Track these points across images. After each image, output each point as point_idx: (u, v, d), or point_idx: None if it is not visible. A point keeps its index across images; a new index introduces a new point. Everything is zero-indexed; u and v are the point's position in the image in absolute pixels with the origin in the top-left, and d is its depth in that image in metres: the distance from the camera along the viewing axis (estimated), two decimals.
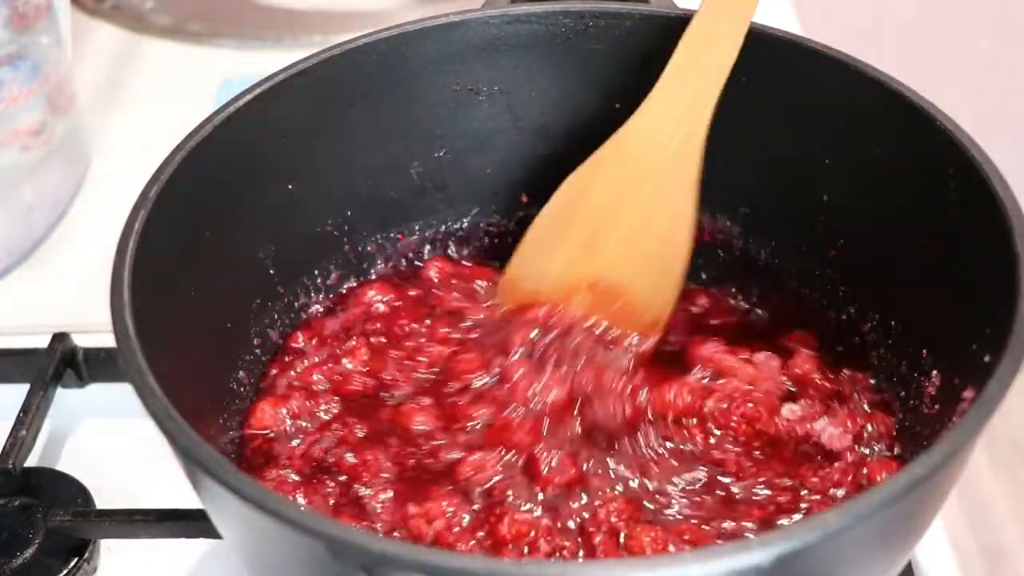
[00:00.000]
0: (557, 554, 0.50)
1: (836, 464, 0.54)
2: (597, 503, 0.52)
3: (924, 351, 0.56)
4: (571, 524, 0.51)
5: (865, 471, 0.54)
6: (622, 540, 0.50)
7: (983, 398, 0.41)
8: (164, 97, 0.96)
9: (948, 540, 0.61)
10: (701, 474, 0.54)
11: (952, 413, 0.49)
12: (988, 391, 0.41)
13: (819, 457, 0.55)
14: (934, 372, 0.54)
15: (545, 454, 0.54)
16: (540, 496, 0.53)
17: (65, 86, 0.82)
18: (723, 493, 0.53)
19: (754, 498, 0.53)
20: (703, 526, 0.51)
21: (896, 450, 0.55)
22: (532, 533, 0.50)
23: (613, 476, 0.54)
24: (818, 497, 0.53)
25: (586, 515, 0.52)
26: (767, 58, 0.61)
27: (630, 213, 0.60)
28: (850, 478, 0.54)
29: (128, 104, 0.96)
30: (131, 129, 0.93)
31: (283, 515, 0.38)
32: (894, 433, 0.56)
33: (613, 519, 0.51)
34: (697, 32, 0.59)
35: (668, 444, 0.55)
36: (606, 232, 0.60)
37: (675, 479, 0.54)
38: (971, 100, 1.70)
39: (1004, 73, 1.74)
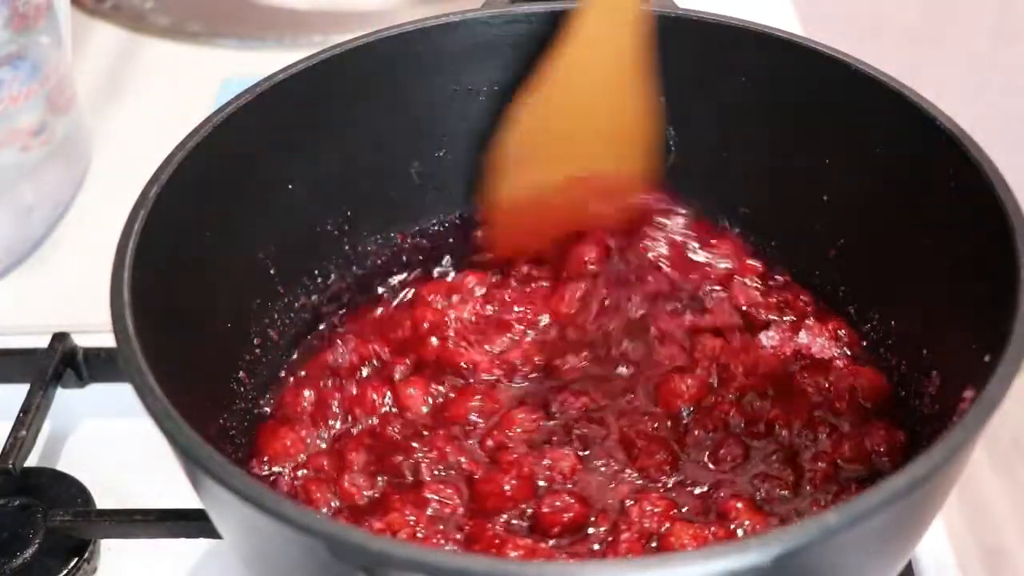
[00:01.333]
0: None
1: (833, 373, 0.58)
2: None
3: (924, 351, 0.56)
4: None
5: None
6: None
7: (983, 398, 0.41)
8: (164, 97, 0.96)
9: (948, 540, 0.61)
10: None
11: (952, 413, 0.49)
12: (988, 391, 0.41)
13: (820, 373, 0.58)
14: (934, 372, 0.54)
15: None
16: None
17: (65, 86, 0.82)
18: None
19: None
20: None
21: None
22: None
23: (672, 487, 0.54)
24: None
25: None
26: (767, 58, 0.61)
27: (591, 110, 0.63)
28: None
29: (128, 104, 0.96)
30: (131, 129, 0.93)
31: (283, 515, 0.38)
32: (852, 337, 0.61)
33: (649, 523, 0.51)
34: None
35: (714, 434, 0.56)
36: (575, 134, 0.63)
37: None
38: (971, 100, 1.70)
39: (1004, 73, 1.74)
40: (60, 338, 0.68)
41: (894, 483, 0.38)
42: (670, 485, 0.54)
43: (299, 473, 0.56)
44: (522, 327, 0.63)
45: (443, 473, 0.55)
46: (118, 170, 0.86)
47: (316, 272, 0.65)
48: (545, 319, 0.63)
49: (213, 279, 0.57)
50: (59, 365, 0.67)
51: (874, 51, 0.58)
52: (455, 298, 0.65)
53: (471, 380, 0.60)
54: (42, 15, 0.77)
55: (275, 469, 0.56)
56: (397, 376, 0.61)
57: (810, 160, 0.62)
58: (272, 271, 0.62)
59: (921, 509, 0.43)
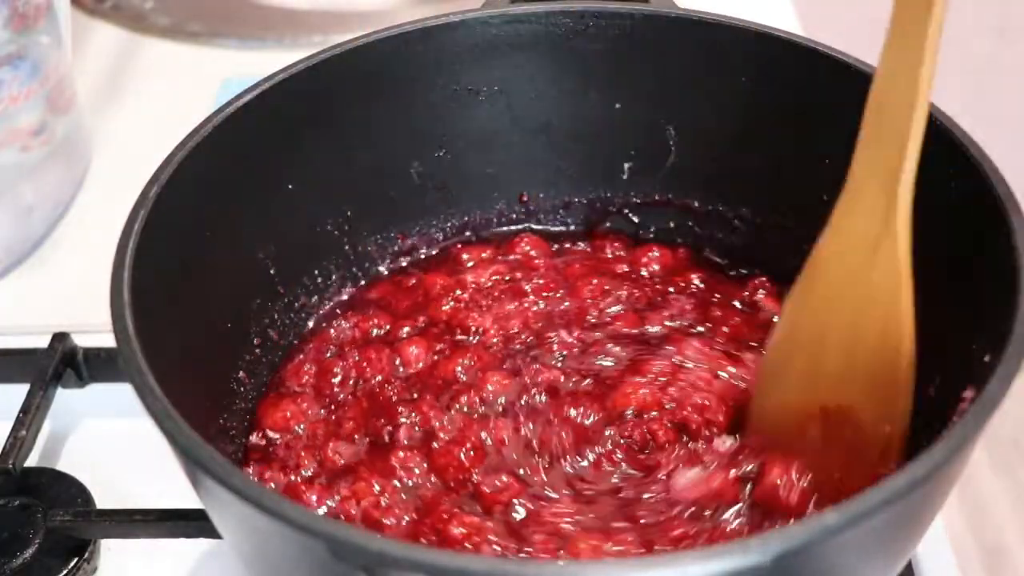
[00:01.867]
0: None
1: None
2: None
3: (924, 351, 0.56)
4: None
5: None
6: None
7: (983, 398, 0.41)
8: (164, 97, 0.96)
9: (948, 540, 0.61)
10: None
11: (952, 413, 0.49)
12: (988, 391, 0.41)
13: None
14: (934, 372, 0.54)
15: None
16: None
17: (65, 86, 0.82)
18: None
19: None
20: None
21: None
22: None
23: None
24: None
25: None
26: (767, 58, 0.61)
27: (839, 326, 0.53)
28: None
29: (128, 104, 0.96)
30: (131, 129, 0.93)
31: (283, 515, 0.38)
32: None
33: None
34: (878, 95, 0.50)
35: None
36: (822, 352, 0.54)
37: None
38: (971, 100, 1.69)
39: (1004, 73, 1.74)
40: (60, 338, 0.68)
41: (894, 483, 0.38)
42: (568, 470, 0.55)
43: (293, 440, 0.57)
44: (534, 297, 0.64)
45: (415, 439, 0.56)
46: (118, 170, 0.86)
47: (316, 272, 0.65)
48: (560, 293, 0.65)
49: (213, 279, 0.57)
50: (59, 365, 0.67)
51: (874, 51, 0.58)
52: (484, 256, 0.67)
53: (473, 341, 0.62)
54: (42, 15, 0.77)
55: (272, 436, 0.58)
56: (403, 334, 0.62)
57: (810, 160, 0.62)
58: (272, 271, 0.62)
59: (921, 509, 0.43)
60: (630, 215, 0.69)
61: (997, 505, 1.58)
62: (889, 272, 0.50)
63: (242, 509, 0.39)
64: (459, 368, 0.60)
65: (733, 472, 0.53)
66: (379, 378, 0.60)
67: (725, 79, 0.63)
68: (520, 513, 0.53)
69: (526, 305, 0.64)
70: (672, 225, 0.69)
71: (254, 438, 0.58)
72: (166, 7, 1.08)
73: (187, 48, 1.04)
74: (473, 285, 0.65)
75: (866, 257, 0.51)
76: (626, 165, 0.68)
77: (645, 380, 0.58)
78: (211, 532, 0.48)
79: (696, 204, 0.68)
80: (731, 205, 0.67)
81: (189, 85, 0.97)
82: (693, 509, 0.52)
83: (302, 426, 0.58)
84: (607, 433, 0.56)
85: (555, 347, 0.61)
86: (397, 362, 0.61)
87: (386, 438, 0.57)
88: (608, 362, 0.60)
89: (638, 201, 0.69)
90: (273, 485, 0.55)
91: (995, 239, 0.48)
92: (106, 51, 1.03)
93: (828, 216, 0.56)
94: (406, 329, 0.63)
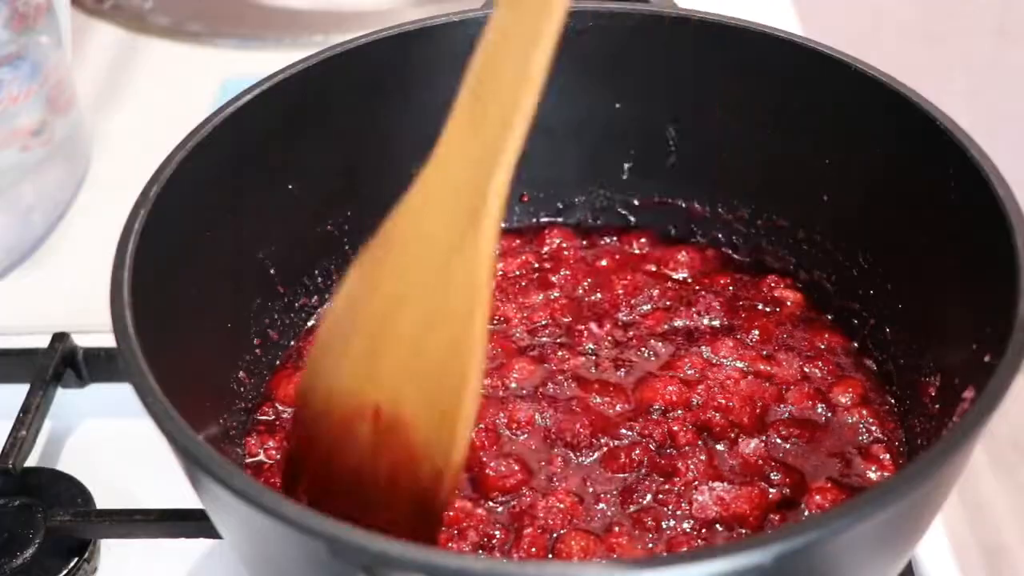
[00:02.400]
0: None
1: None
2: None
3: (924, 351, 0.56)
4: None
5: None
6: None
7: (983, 398, 0.41)
8: (164, 97, 0.96)
9: (948, 540, 0.61)
10: None
11: (952, 413, 0.49)
12: (988, 391, 0.41)
13: None
14: (934, 372, 0.54)
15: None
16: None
17: (65, 86, 0.82)
18: None
19: None
20: None
21: None
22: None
23: None
24: None
25: None
26: (767, 58, 0.61)
27: (407, 320, 0.44)
28: None
29: (128, 104, 0.96)
30: (131, 129, 0.93)
31: (283, 515, 0.38)
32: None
33: None
34: (486, 57, 0.43)
35: None
36: (383, 340, 0.45)
37: None
38: (971, 100, 1.70)
39: (1004, 73, 1.74)
40: (60, 338, 0.68)
41: (894, 483, 0.38)
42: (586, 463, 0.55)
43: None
44: (559, 290, 0.65)
45: None
46: (118, 170, 0.86)
47: (316, 272, 0.65)
48: (587, 284, 0.65)
49: (213, 279, 0.57)
50: (59, 365, 0.67)
51: (874, 51, 0.58)
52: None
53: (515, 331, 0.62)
54: (42, 15, 0.77)
55: (280, 409, 0.59)
56: None
57: (810, 160, 0.62)
58: (272, 271, 0.62)
59: (921, 509, 0.43)
60: (628, 215, 0.70)
61: (997, 505, 1.58)
62: (464, 288, 0.42)
63: (242, 509, 0.39)
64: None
65: (757, 491, 0.53)
66: None
67: (725, 79, 0.63)
68: (518, 503, 0.53)
69: (553, 296, 0.65)
70: (672, 226, 0.69)
71: (264, 411, 0.59)
72: (166, 7, 1.08)
73: (187, 48, 1.04)
74: (500, 274, 0.66)
75: (444, 258, 0.43)
76: (626, 165, 0.68)
77: (673, 377, 0.59)
78: (211, 532, 0.48)
79: (696, 205, 0.68)
80: (731, 206, 0.67)
81: (189, 85, 0.97)
82: (706, 529, 0.52)
83: None
84: (625, 431, 0.56)
85: (584, 338, 0.62)
86: None
87: None
88: (639, 357, 0.61)
89: (637, 203, 0.69)
90: (275, 454, 0.56)
91: (995, 239, 0.48)
92: (106, 51, 1.03)
93: (822, 214, 0.56)
94: None
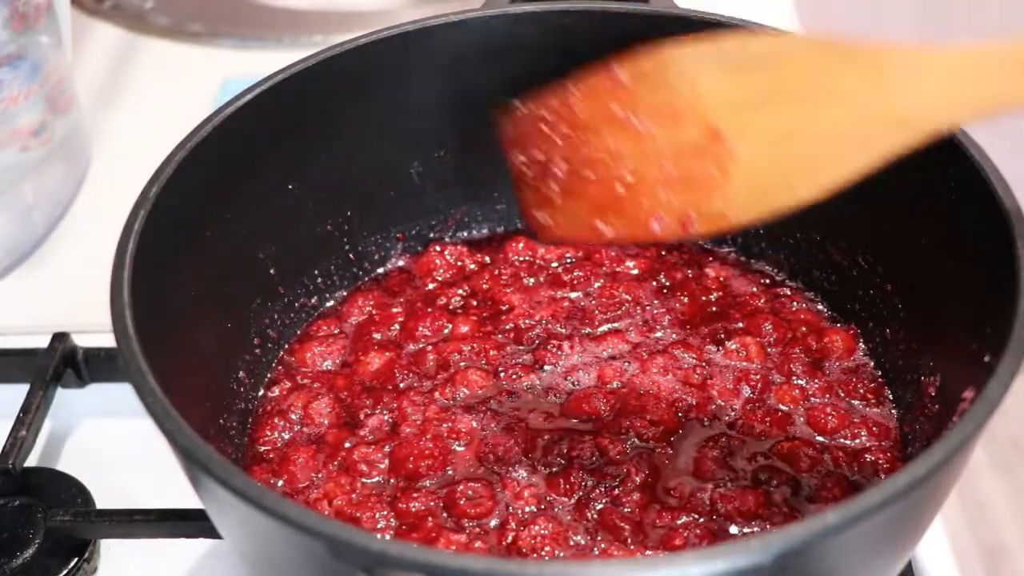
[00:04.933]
0: None
1: None
2: None
3: (924, 351, 0.56)
4: None
5: None
6: None
7: (983, 398, 0.41)
8: (164, 97, 0.96)
9: (948, 540, 0.61)
10: None
11: (952, 413, 0.49)
12: (988, 391, 0.41)
13: None
14: (934, 372, 0.54)
15: None
16: None
17: (65, 86, 0.82)
18: None
19: None
20: None
21: None
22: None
23: None
24: None
25: None
26: None
27: (807, 116, 0.48)
28: None
29: (128, 104, 0.96)
30: (131, 129, 0.93)
31: (283, 515, 0.38)
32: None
33: None
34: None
35: None
36: (777, 101, 0.48)
37: None
38: None
39: None
40: (60, 338, 0.68)
41: (894, 483, 0.38)
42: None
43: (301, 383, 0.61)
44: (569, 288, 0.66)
45: (377, 432, 0.57)
46: (118, 170, 0.86)
47: (316, 272, 0.65)
48: (599, 283, 0.66)
49: (213, 279, 0.57)
50: (59, 365, 0.67)
51: None
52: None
53: (508, 325, 0.63)
54: (42, 15, 0.77)
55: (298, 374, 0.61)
56: (451, 306, 0.65)
57: None
58: (272, 271, 0.62)
59: (921, 509, 0.43)
60: None
61: (997, 505, 1.58)
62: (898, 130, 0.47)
63: (242, 509, 0.39)
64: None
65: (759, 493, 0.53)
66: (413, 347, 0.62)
67: None
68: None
69: (559, 296, 0.65)
70: None
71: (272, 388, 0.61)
72: (166, 7, 1.08)
73: (187, 48, 1.04)
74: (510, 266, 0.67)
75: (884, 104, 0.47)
76: None
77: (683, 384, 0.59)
78: (211, 532, 0.48)
79: None
80: None
81: (189, 85, 0.97)
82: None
83: (328, 362, 0.62)
84: (623, 433, 0.56)
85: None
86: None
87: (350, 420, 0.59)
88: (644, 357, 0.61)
89: None
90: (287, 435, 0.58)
91: (995, 239, 0.48)
92: (106, 51, 1.03)
93: (822, 216, 0.56)
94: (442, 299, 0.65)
